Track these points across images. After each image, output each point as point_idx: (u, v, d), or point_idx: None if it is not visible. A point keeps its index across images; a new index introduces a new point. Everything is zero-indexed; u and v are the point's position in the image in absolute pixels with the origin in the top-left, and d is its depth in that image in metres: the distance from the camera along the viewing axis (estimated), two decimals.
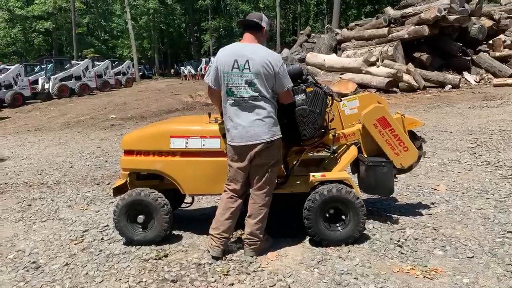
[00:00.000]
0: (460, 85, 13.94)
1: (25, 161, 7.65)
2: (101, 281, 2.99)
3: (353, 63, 14.88)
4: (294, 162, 3.62)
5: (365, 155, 3.61)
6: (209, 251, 3.24)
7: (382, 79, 13.80)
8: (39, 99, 19.86)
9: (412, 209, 4.06)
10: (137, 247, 3.48)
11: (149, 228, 3.50)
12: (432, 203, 4.20)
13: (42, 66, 22.66)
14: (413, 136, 3.76)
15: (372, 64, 14.34)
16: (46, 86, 20.55)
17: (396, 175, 3.76)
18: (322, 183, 3.34)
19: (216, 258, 3.18)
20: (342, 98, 3.76)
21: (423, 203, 4.24)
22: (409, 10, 16.50)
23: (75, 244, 3.68)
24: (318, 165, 3.90)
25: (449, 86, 13.82)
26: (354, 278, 2.84)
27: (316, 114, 3.34)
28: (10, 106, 17.66)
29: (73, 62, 23.81)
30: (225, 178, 3.27)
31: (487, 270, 2.88)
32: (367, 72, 14.34)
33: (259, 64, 3.02)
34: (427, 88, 14.02)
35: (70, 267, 3.23)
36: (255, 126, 3.05)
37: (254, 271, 3.00)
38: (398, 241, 3.35)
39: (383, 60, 14.77)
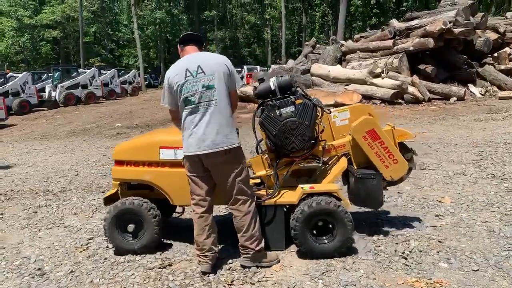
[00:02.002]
0: (465, 98, 13.93)
1: (31, 168, 7.70)
2: None
3: (358, 75, 14.93)
4: (284, 173, 3.61)
5: (355, 167, 3.61)
6: (198, 267, 3.21)
7: (387, 91, 13.81)
8: (46, 107, 20.02)
9: (417, 221, 4.05)
10: (142, 255, 3.50)
11: (139, 237, 3.53)
12: (437, 216, 4.19)
13: (49, 74, 22.87)
14: (404, 148, 3.75)
15: (377, 75, 14.37)
16: (53, 94, 20.74)
17: (387, 187, 3.77)
18: (311, 195, 3.33)
19: (205, 273, 3.13)
20: (331, 110, 3.76)
21: (428, 215, 4.23)
22: (414, 22, 16.56)
23: (80, 251, 3.70)
24: (309, 176, 3.88)
25: (454, 98, 13.81)
26: None
27: (305, 126, 3.38)
28: (17, 113, 17.79)
29: (79, 70, 23.99)
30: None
31: (492, 283, 2.87)
32: (372, 84, 14.37)
33: (214, 64, 3.09)
34: (432, 100, 14.02)
35: (75, 275, 3.25)
36: (214, 134, 3.02)
37: (258, 281, 3.00)
38: (403, 253, 3.35)
39: (388, 72, 14.81)
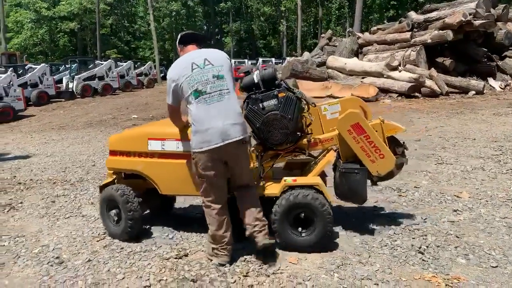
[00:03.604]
0: (485, 91, 13.66)
1: (49, 158, 7.82)
2: (123, 278, 3.04)
3: (375, 67, 14.76)
4: (270, 166, 3.65)
5: (342, 161, 3.56)
6: (211, 260, 3.19)
7: (404, 84, 13.63)
8: (63, 98, 20.25)
9: (434, 216, 4.00)
10: (158, 245, 3.54)
11: (120, 224, 3.69)
12: (455, 211, 4.13)
13: (67, 66, 23.13)
14: (395, 142, 3.67)
15: (394, 68, 14.18)
16: (70, 86, 20.96)
17: (377, 183, 3.70)
18: (294, 187, 3.32)
19: (222, 265, 3.13)
20: (315, 103, 3.72)
21: (445, 210, 4.18)
22: (433, 14, 16.27)
23: (97, 241, 3.75)
24: (302, 169, 3.85)
25: (473, 92, 13.56)
26: (375, 284, 2.82)
27: (288, 119, 3.36)
28: (36, 104, 18.05)
29: (96, 62, 24.19)
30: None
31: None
32: (389, 77, 14.20)
33: (220, 57, 3.14)
34: (450, 94, 13.79)
35: (92, 263, 3.29)
36: (233, 123, 3.04)
37: (273, 273, 3.01)
38: (420, 247, 3.31)
39: (405, 65, 14.60)
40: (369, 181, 3.60)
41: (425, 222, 3.86)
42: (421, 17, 16.77)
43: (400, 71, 14.13)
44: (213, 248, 3.19)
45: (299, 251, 3.28)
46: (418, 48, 14.73)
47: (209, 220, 3.19)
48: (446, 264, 3.07)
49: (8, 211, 4.71)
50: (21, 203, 4.99)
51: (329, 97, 13.33)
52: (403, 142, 3.74)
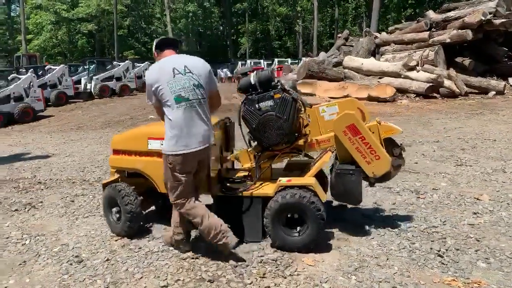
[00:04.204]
0: (505, 92, 13.42)
1: (68, 158, 7.94)
2: (141, 278, 3.06)
3: (392, 67, 14.61)
4: (267, 167, 3.71)
5: (339, 162, 3.56)
6: (229, 253, 3.24)
7: (422, 84, 13.47)
8: (82, 98, 20.52)
9: (453, 219, 3.94)
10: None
11: (120, 221, 3.80)
12: (475, 213, 4.06)
13: (85, 67, 23.44)
14: (392, 143, 3.65)
15: (412, 68, 14.02)
16: (88, 86, 21.22)
17: (374, 184, 3.67)
18: (287, 188, 3.33)
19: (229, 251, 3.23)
20: (311, 104, 3.75)
21: (465, 212, 4.11)
22: (452, 13, 16.05)
23: (116, 240, 3.79)
24: (302, 170, 3.84)
25: (493, 92, 13.34)
26: (393, 287, 2.79)
27: (283, 120, 3.39)
28: (55, 104, 18.34)
29: (114, 63, 24.45)
30: None
31: None
32: (406, 77, 14.05)
33: (198, 66, 3.21)
34: (469, 94, 13.59)
35: (111, 263, 3.33)
36: (208, 130, 3.19)
37: (290, 275, 3.00)
38: (439, 251, 3.26)
39: (423, 65, 14.43)
40: (368, 182, 3.60)
41: (444, 224, 3.81)
42: (440, 17, 16.55)
43: (418, 71, 13.97)
44: (216, 240, 3.15)
45: (292, 251, 3.30)
46: (436, 48, 14.54)
47: (192, 215, 3.22)
48: (466, 267, 3.02)
49: (29, 210, 4.80)
50: (41, 202, 5.08)
51: (346, 97, 13.25)
52: (401, 144, 3.71)
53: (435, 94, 13.58)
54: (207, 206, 3.38)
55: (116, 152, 3.89)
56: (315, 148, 3.67)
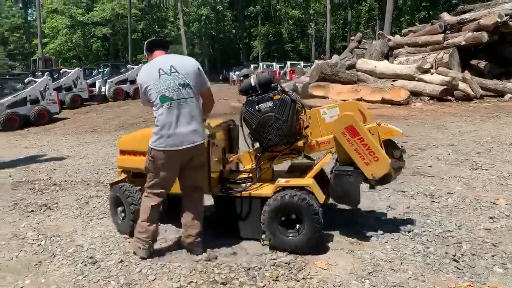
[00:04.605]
0: None
1: (82, 160, 8.03)
2: (154, 279, 3.08)
3: (406, 70, 14.49)
4: (267, 168, 3.74)
5: (339, 164, 3.56)
6: (135, 253, 3.41)
7: (436, 87, 13.34)
8: (96, 101, 20.73)
9: (469, 223, 3.89)
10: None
11: (124, 220, 3.91)
12: (491, 218, 4.00)
13: (99, 70, 23.71)
14: (392, 145, 3.62)
15: (426, 71, 13.89)
16: (103, 89, 21.45)
17: (375, 186, 3.65)
18: (286, 188, 3.34)
19: (143, 259, 3.35)
20: (311, 106, 3.81)
21: (481, 217, 4.05)
22: (467, 16, 15.88)
23: (129, 242, 3.81)
24: (303, 172, 3.83)
25: (509, 95, 13.14)
26: None
27: (282, 121, 3.42)
28: (69, 107, 18.57)
29: (128, 66, 24.68)
30: None
31: None
32: (420, 80, 13.92)
33: (186, 65, 3.25)
34: (485, 97, 13.41)
35: (124, 264, 3.35)
36: (194, 130, 3.21)
37: (303, 278, 2.99)
38: (454, 255, 3.22)
39: (437, 68, 14.29)
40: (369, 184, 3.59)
41: (460, 229, 3.76)
42: (454, 19, 16.39)
43: (432, 74, 13.83)
44: (137, 238, 3.36)
45: (289, 251, 3.31)
46: (451, 51, 14.40)
47: (143, 208, 3.37)
48: (483, 273, 2.98)
49: (44, 211, 4.86)
50: (56, 203, 5.14)
51: (359, 100, 13.18)
52: (401, 146, 3.68)
53: (449, 97, 13.43)
54: (207, 206, 3.43)
55: (122, 152, 4.00)
56: (315, 149, 3.68)
